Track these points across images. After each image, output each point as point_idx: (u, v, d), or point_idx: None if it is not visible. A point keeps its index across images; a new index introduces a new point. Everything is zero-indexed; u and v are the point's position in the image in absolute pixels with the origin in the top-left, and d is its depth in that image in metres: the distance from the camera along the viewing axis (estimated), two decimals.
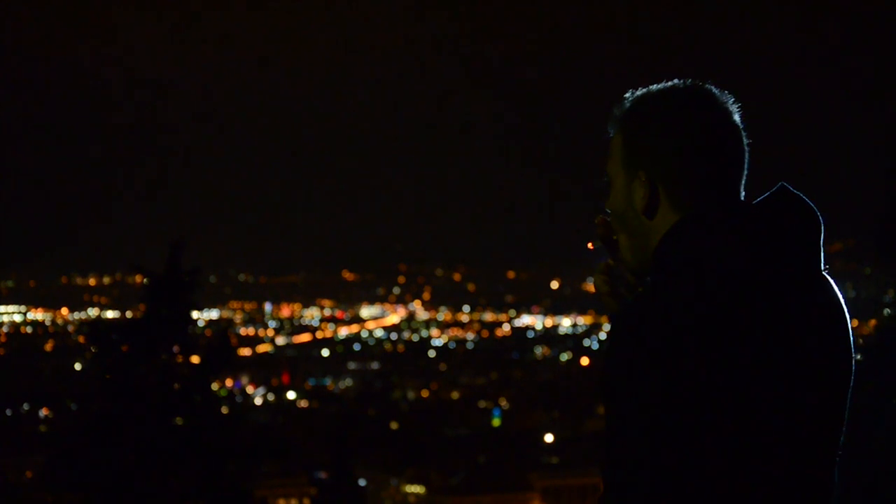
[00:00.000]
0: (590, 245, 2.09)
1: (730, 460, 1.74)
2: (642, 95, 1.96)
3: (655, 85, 1.97)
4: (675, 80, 1.96)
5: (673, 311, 1.76)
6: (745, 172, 1.90)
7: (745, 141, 1.90)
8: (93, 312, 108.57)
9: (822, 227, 1.90)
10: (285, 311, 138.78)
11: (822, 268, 1.90)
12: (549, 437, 68.55)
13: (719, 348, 1.74)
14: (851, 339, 1.92)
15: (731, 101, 1.90)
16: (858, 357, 1.94)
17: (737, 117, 1.89)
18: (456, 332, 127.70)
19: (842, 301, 1.91)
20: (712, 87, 1.92)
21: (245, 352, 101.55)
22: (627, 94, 1.98)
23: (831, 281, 1.91)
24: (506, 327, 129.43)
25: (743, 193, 1.94)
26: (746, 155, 1.90)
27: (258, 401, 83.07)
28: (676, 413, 1.72)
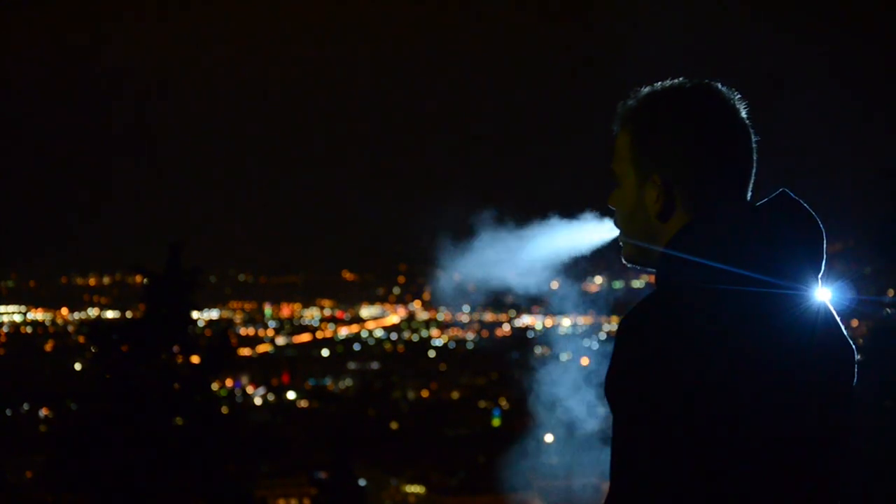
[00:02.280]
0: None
1: (734, 469, 1.72)
2: (649, 94, 1.94)
3: (660, 83, 1.95)
4: (681, 78, 1.94)
5: (678, 321, 1.75)
6: (754, 169, 1.89)
7: (754, 138, 1.89)
8: (93, 312, 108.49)
9: (824, 235, 1.90)
10: (285, 311, 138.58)
11: (822, 277, 1.89)
12: (548, 438, 68.45)
13: (723, 358, 1.73)
14: (853, 351, 1.91)
15: (737, 98, 1.89)
16: (859, 358, 1.94)
17: (744, 114, 1.88)
18: (456, 332, 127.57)
19: (838, 320, 1.91)
20: (719, 84, 1.90)
21: (245, 352, 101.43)
22: (631, 92, 1.96)
23: (828, 304, 1.90)
24: (506, 327, 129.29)
25: (750, 193, 1.93)
26: (755, 153, 1.89)
27: (258, 401, 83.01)
28: (680, 421, 1.71)
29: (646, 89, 1.94)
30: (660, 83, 1.94)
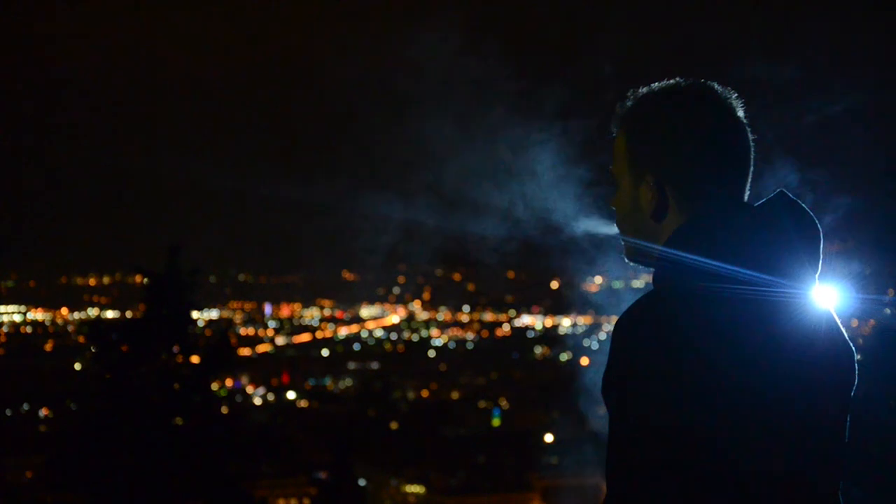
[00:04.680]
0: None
1: (730, 470, 1.72)
2: (644, 95, 1.94)
3: (657, 83, 1.95)
4: (678, 79, 1.94)
5: (673, 320, 1.74)
6: (751, 169, 1.88)
7: (750, 137, 1.87)
8: (93, 312, 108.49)
9: (821, 235, 1.89)
10: (285, 311, 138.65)
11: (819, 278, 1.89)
12: (548, 437, 68.51)
13: (720, 358, 1.73)
14: (853, 352, 1.91)
15: (734, 98, 1.88)
16: (859, 357, 1.93)
17: (741, 113, 1.87)
18: (456, 332, 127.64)
19: (837, 320, 1.91)
20: (715, 85, 1.89)
21: (245, 352, 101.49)
22: (629, 94, 1.97)
23: (826, 302, 1.90)
24: (506, 327, 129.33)
25: (748, 192, 1.93)
26: (752, 152, 1.88)
27: (258, 401, 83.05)
28: (675, 421, 1.70)
29: (642, 90, 1.95)
30: (657, 84, 1.94)
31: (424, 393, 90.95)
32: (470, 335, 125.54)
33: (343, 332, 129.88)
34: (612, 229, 2.03)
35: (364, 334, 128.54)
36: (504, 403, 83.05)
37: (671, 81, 1.93)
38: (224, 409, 17.60)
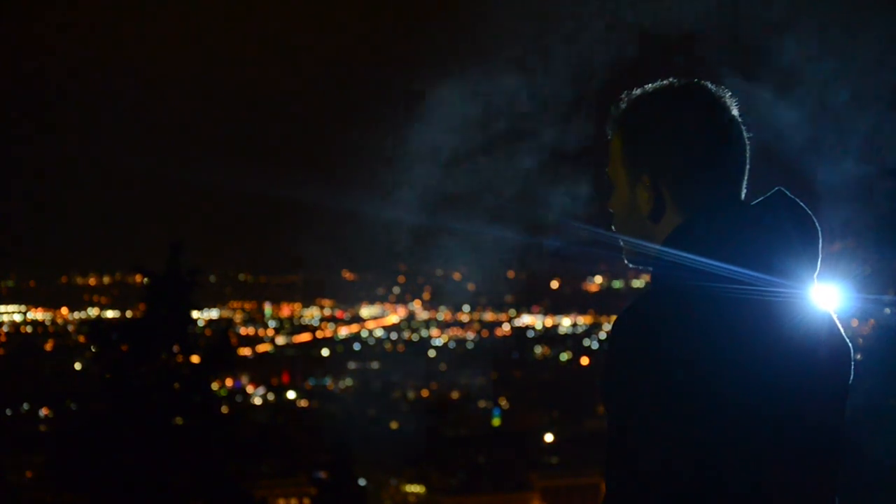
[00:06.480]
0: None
1: (728, 468, 1.72)
2: (639, 96, 1.94)
3: (651, 84, 1.96)
4: (672, 79, 1.94)
5: (671, 320, 1.75)
6: (748, 167, 1.88)
7: (746, 135, 1.87)
8: (93, 312, 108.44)
9: (820, 234, 1.89)
10: (285, 311, 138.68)
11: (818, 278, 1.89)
12: (549, 437, 68.56)
13: (717, 358, 1.73)
14: (850, 350, 1.91)
15: (728, 96, 1.88)
16: (858, 357, 1.94)
17: (735, 112, 1.87)
18: (456, 332, 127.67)
19: (836, 321, 1.91)
20: (709, 84, 1.89)
21: (245, 352, 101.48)
22: (623, 95, 1.97)
23: (825, 303, 1.90)
24: (506, 327, 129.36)
25: (745, 191, 1.93)
26: (748, 150, 1.88)
27: (258, 401, 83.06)
28: (673, 420, 1.71)
29: (637, 91, 1.95)
30: (651, 84, 1.95)
31: (424, 393, 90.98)
32: (470, 335, 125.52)
33: (343, 331, 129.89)
34: (610, 230, 2.03)
35: (364, 334, 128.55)
36: (504, 403, 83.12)
37: (665, 82, 1.94)
38: (224, 409, 17.60)
